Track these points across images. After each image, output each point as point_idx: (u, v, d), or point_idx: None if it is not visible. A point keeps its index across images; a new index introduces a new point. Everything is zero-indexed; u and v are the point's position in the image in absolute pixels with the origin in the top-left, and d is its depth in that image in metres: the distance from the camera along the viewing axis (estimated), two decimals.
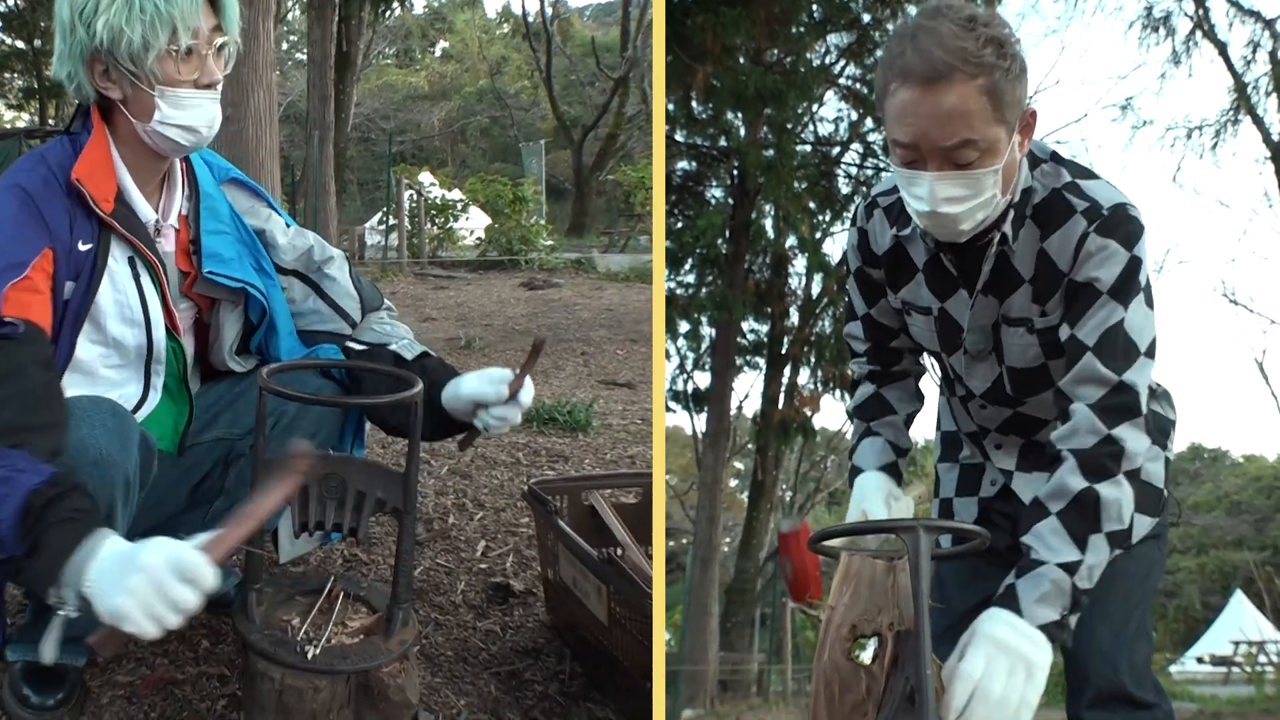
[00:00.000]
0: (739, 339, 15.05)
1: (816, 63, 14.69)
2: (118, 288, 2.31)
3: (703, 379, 15.23)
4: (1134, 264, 2.02)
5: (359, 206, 31.23)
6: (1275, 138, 17.06)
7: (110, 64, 2.23)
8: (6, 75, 21.62)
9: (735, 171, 14.32)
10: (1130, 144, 37.93)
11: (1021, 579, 1.93)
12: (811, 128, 15.57)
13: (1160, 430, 2.29)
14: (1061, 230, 2.07)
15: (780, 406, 15.08)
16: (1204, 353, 46.50)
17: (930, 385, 2.54)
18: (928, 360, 2.48)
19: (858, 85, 14.94)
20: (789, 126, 14.15)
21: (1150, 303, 2.06)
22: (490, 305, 12.78)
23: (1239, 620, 20.01)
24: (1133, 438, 2.00)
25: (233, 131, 5.98)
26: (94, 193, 2.24)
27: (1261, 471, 30.95)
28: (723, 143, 14.72)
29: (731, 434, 16.04)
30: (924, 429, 14.22)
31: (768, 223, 14.64)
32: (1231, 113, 17.83)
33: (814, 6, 14.28)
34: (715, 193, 15.28)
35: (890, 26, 14.61)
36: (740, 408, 17.70)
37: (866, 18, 14.60)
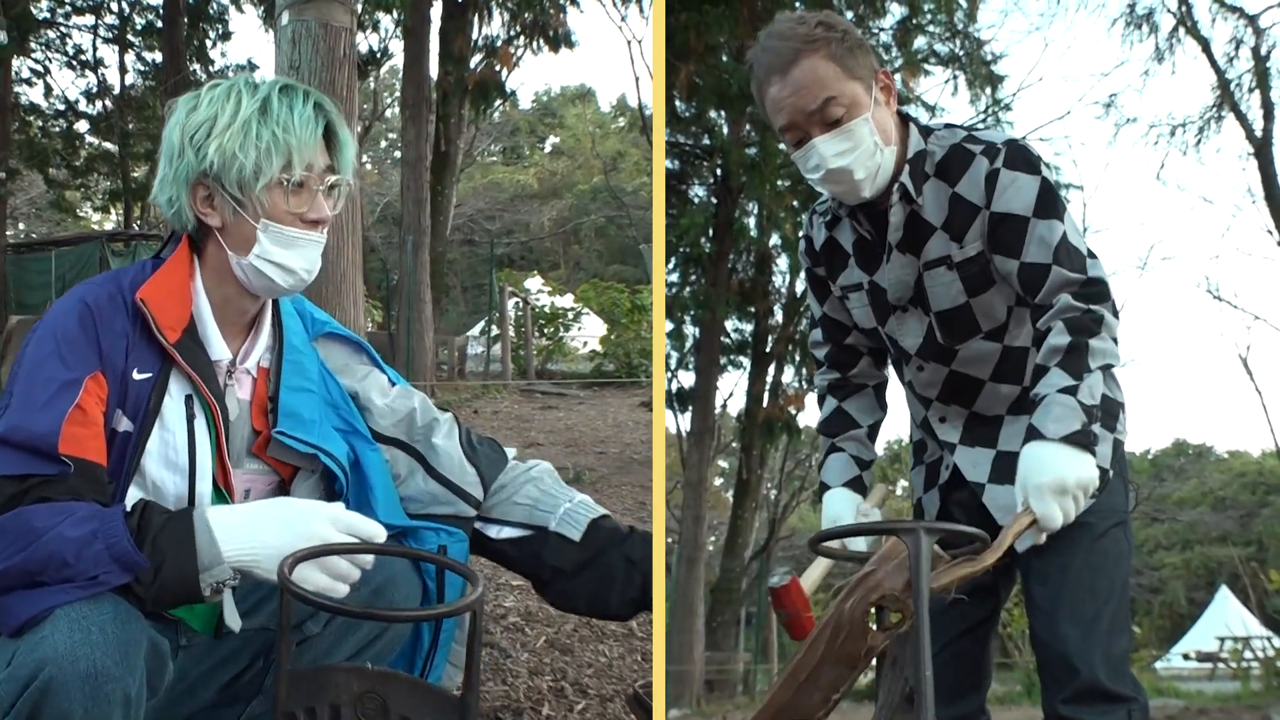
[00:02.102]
0: (723, 338, 15.04)
1: None
2: (166, 426, 2.09)
3: (687, 378, 15.24)
4: (1045, 184, 2.25)
5: (462, 313, 29.46)
6: (1258, 134, 17.09)
7: (215, 190, 2.10)
8: (93, 177, 21.51)
9: (719, 170, 14.30)
10: (1114, 141, 38.10)
11: (1033, 419, 2.12)
12: None
13: (1107, 413, 2.36)
14: (967, 174, 2.30)
15: (765, 405, 15.09)
16: (1188, 349, 46.79)
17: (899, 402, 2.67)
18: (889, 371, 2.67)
19: None
20: None
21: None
22: (605, 429, 11.45)
23: (1224, 616, 20.08)
24: (1109, 316, 2.18)
25: None
26: (159, 317, 2.06)
27: (1246, 467, 31.07)
28: (706, 141, 14.71)
29: (716, 433, 16.04)
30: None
31: (751, 221, 14.64)
32: (1214, 109, 17.92)
33: (796, 3, 14.26)
34: (698, 191, 15.28)
35: (872, 24, 14.64)
36: (724, 406, 17.70)
37: (849, 15, 14.58)
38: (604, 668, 3.70)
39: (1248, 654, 13.30)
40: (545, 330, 19.24)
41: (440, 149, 18.43)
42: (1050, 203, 2.24)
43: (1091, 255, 2.26)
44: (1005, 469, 2.40)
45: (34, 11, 18.50)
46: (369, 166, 34.53)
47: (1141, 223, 45.53)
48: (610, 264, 33.67)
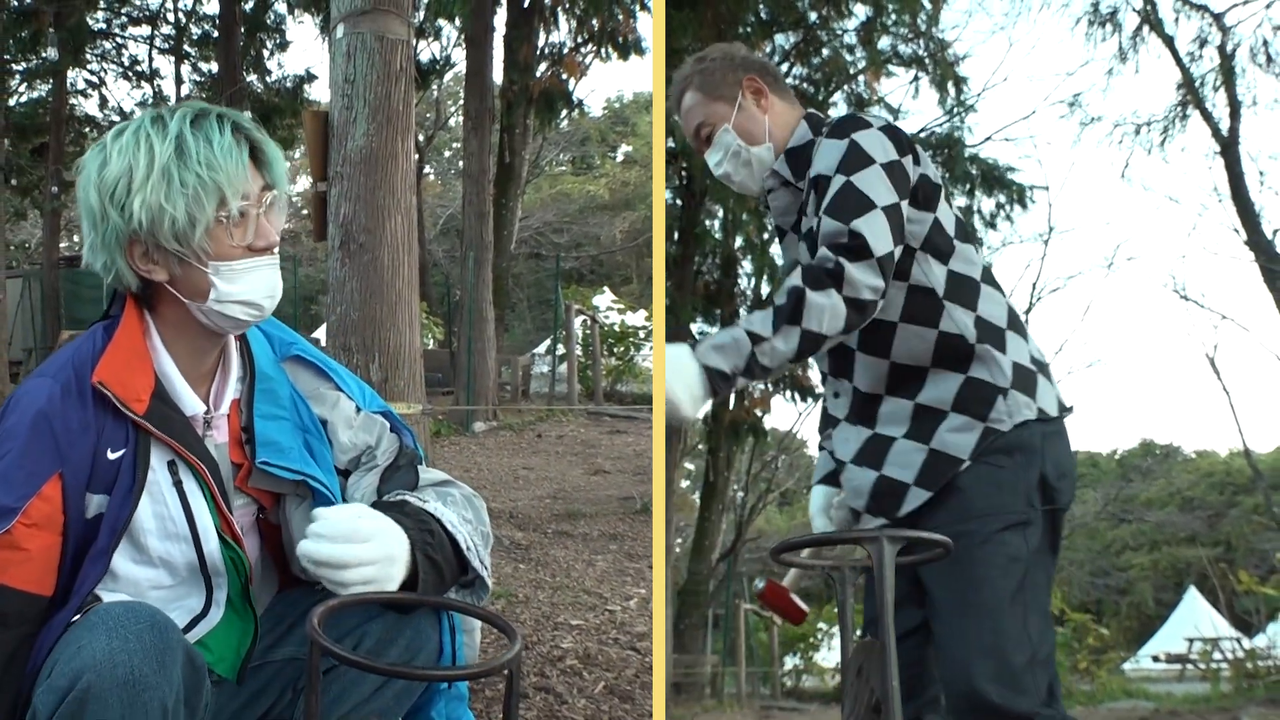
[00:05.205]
0: (689, 341, 14.95)
1: None
2: (156, 498, 2.00)
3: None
4: (853, 146, 2.33)
5: (528, 330, 28.43)
6: (1224, 132, 17.12)
7: (151, 245, 1.95)
8: None
9: (683, 174, 14.23)
10: (1079, 141, 38.26)
11: (719, 331, 2.23)
12: None
13: (980, 399, 2.33)
14: (814, 153, 2.46)
15: (730, 408, 15.03)
16: (1155, 349, 47.06)
17: None
18: None
19: (805, 85, 14.89)
20: None
21: (894, 178, 2.31)
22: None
23: (1193, 617, 20.16)
24: (857, 270, 2.17)
25: (366, 261, 5.19)
26: (121, 394, 1.95)
27: (1214, 467, 31.22)
28: (670, 145, 14.63)
29: (682, 435, 15.94)
30: None
31: (715, 224, 14.58)
32: (1179, 108, 17.94)
33: (760, 7, 14.21)
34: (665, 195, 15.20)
35: (836, 25, 14.61)
36: None
37: (813, 16, 14.55)
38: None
39: (1217, 655, 13.32)
40: (615, 349, 18.69)
41: (505, 160, 17.79)
42: (849, 160, 2.31)
43: (888, 211, 2.26)
44: (873, 451, 2.38)
45: (89, 23, 18.05)
46: (431, 178, 33.48)
47: (1107, 222, 45.78)
48: None
